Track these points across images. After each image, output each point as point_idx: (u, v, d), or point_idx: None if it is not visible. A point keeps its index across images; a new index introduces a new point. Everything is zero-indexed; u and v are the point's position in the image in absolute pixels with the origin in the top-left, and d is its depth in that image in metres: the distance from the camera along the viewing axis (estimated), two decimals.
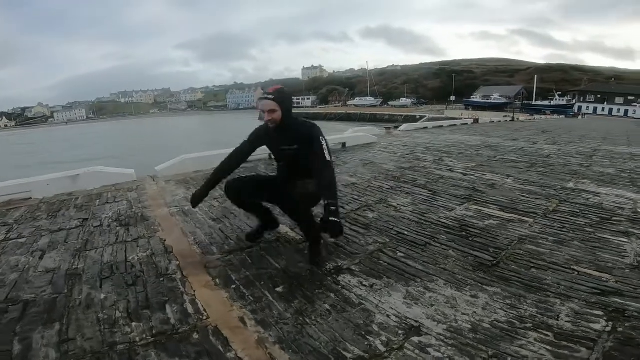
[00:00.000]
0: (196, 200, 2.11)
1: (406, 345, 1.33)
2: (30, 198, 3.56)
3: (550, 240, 2.43)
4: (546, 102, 56.61)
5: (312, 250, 2.01)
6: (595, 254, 2.20)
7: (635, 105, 51.93)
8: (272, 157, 2.29)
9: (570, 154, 6.65)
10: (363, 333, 1.39)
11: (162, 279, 1.78)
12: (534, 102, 57.46)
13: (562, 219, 2.88)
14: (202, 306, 1.54)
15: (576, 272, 1.96)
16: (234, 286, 1.71)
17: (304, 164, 1.95)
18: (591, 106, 56.87)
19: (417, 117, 37.59)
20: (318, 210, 1.97)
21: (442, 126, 13.41)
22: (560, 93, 60.79)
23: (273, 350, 1.28)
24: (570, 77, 79.16)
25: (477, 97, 64.39)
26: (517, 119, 25.21)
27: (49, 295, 1.63)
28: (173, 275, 1.81)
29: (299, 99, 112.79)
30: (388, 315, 1.50)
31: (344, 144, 6.66)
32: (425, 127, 12.45)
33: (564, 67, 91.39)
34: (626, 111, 52.07)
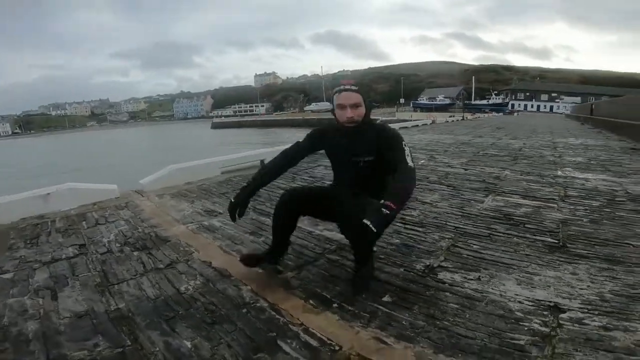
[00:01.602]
0: (239, 209, 1.63)
1: (561, 322, 1.31)
2: None
3: (585, 221, 2.53)
4: (484, 101, 61.75)
5: (360, 275, 1.60)
6: (630, 229, 2.32)
7: (558, 102, 58.67)
8: (332, 166, 1.79)
9: (537, 147, 7.19)
10: (513, 320, 1.33)
11: (245, 310, 1.46)
12: (473, 102, 62.39)
13: (577, 202, 3.04)
14: (321, 334, 1.28)
15: (631, 246, 2.04)
16: (335, 305, 1.47)
17: (379, 178, 1.63)
18: (521, 103, 63.17)
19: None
20: None
21: (407, 127, 13.94)
22: (496, 92, 66.71)
23: (439, 358, 1.14)
24: (502, 76, 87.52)
25: (423, 99, 68.48)
26: (466, 118, 27.09)
27: (110, 351, 1.23)
28: (257, 304, 1.49)
29: (252, 106, 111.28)
30: (520, 302, 1.45)
31: None
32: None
33: (496, 68, 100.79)
34: (551, 107, 58.67)
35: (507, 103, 60.11)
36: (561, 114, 43.25)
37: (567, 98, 58.24)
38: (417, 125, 15.25)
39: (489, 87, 70.16)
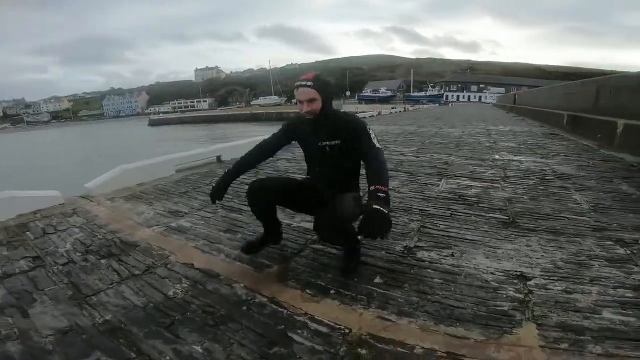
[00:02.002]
0: (219, 193, 1.79)
1: (531, 289, 1.50)
2: None
3: (526, 198, 2.90)
4: (422, 94, 65.81)
5: (351, 258, 1.76)
6: (563, 204, 2.72)
7: (486, 93, 64.58)
8: (305, 158, 1.89)
9: (474, 135, 7.92)
10: (492, 290, 1.50)
11: (246, 308, 1.44)
12: (412, 94, 66.14)
13: (517, 182, 3.45)
14: (328, 320, 1.32)
15: (567, 219, 2.39)
16: (332, 291, 1.51)
17: (348, 168, 1.74)
18: (455, 95, 68.40)
19: None
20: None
21: None
22: (432, 85, 71.38)
23: (445, 330, 1.26)
24: (438, 69, 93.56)
25: (368, 92, 70.78)
26: (408, 109, 28.62)
27: None
28: (255, 300, 1.49)
29: (194, 102, 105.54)
30: (492, 273, 1.64)
31: None
32: None
33: (432, 61, 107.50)
34: (480, 97, 64.32)
35: (443, 95, 64.74)
36: (489, 103, 47.66)
37: (493, 89, 64.40)
38: (365, 117, 15.80)
39: (426, 80, 74.90)
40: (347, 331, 1.25)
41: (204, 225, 2.51)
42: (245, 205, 2.73)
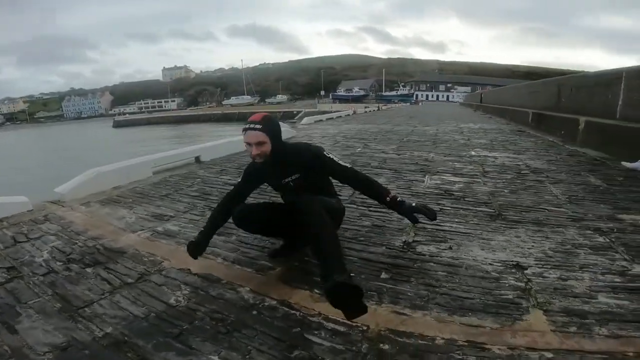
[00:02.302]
0: (198, 252, 1.74)
1: (528, 277, 1.57)
2: None
3: (506, 192, 3.04)
4: (394, 93, 67.28)
5: (328, 267, 1.30)
6: (540, 197, 2.87)
7: (453, 92, 67.12)
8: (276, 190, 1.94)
9: (448, 132, 8.20)
10: (494, 280, 1.56)
11: (256, 312, 1.39)
12: (384, 93, 67.50)
13: (495, 176, 3.61)
14: (343, 319, 1.28)
15: (546, 210, 2.53)
16: None
17: (313, 185, 1.71)
18: (424, 94, 70.59)
19: (294, 112, 38.92)
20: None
21: (332, 117, 14.45)
22: (403, 84, 73.18)
23: (460, 319, 1.29)
24: (408, 69, 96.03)
25: (341, 91, 71.43)
26: (381, 108, 29.17)
27: None
28: (264, 304, 1.44)
29: (161, 102, 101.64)
30: (490, 264, 1.70)
31: None
32: (321, 120, 13.18)
33: (402, 61, 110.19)
34: (448, 96, 66.80)
35: (413, 94, 66.55)
36: (456, 102, 49.58)
37: (460, 88, 67.05)
38: (341, 116, 15.90)
39: (397, 80, 76.69)
40: (364, 328, 1.24)
41: (193, 228, 2.41)
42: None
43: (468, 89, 61.39)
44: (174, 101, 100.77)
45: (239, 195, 1.86)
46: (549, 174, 3.67)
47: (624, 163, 3.84)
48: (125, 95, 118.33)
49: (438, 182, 3.39)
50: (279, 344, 1.19)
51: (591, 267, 1.63)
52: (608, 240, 1.96)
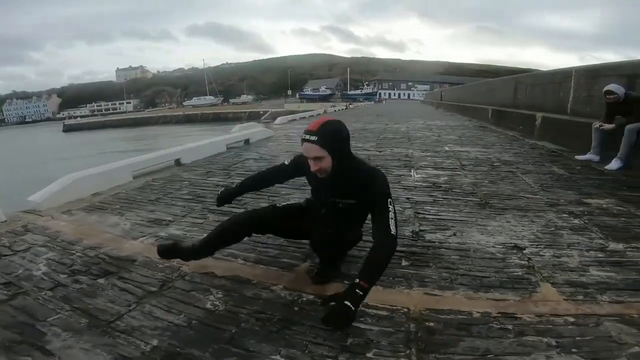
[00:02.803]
0: (228, 198, 1.87)
1: (528, 256, 1.76)
2: None
3: (487, 182, 3.31)
4: (358, 91, 68.54)
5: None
6: (517, 186, 3.17)
7: (414, 90, 69.74)
8: (311, 191, 1.72)
9: (418, 129, 8.60)
10: (501, 260, 1.74)
11: (298, 308, 1.44)
12: (349, 92, 68.57)
13: (473, 169, 3.90)
14: (383, 305, 1.39)
15: (525, 198, 2.80)
16: None
17: (356, 218, 1.58)
18: (387, 92, 72.62)
19: (261, 112, 38.50)
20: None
21: (305, 117, 14.50)
22: (367, 83, 74.79)
23: (485, 295, 1.44)
24: (371, 68, 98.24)
25: (308, 90, 71.55)
26: (349, 107, 29.68)
27: None
28: (303, 299, 1.48)
29: (115, 104, 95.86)
30: (493, 246, 1.89)
31: (247, 140, 6.40)
32: (295, 119, 13.22)
33: (365, 60, 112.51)
34: (409, 95, 69.27)
35: (376, 92, 68.19)
36: (417, 100, 51.49)
37: (420, 86, 69.82)
38: (313, 115, 16.03)
39: (361, 78, 78.29)
40: (405, 310, 1.35)
41: (199, 231, 2.40)
42: (236, 208, 2.69)
43: (427, 87, 64.10)
44: (129, 103, 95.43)
45: (280, 175, 1.80)
46: (518, 165, 4.03)
47: (577, 157, 4.29)
48: (75, 97, 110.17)
49: (424, 175, 3.60)
50: (331, 334, 1.24)
51: (576, 245, 1.87)
52: (582, 222, 2.23)
